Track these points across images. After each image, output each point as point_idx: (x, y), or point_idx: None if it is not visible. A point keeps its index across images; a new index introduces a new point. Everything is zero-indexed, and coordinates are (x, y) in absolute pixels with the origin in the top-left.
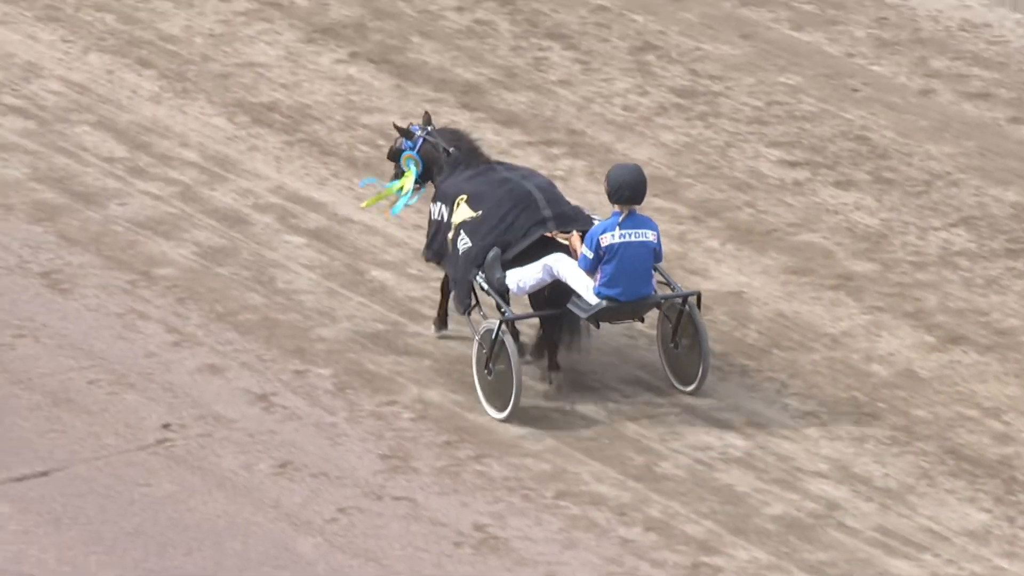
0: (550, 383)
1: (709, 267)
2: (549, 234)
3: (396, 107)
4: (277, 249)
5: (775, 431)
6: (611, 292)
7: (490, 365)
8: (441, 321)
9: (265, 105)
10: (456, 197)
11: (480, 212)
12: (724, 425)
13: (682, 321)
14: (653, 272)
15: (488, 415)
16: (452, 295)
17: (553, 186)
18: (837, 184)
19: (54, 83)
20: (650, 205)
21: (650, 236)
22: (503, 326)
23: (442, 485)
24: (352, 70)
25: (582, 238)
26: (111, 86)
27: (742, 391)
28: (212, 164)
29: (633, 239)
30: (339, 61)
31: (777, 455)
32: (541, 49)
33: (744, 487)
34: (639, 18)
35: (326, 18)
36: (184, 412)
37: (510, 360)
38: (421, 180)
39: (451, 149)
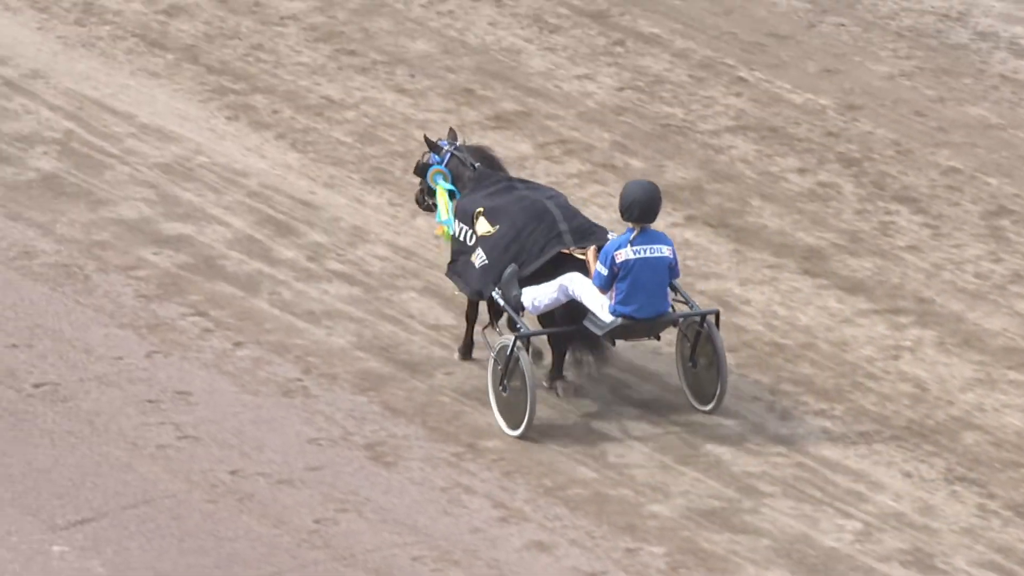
0: (558, 394)
1: None
2: (566, 250)
3: (734, 273)
4: (609, 421)
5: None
6: (627, 309)
7: (505, 382)
8: (467, 349)
9: None
10: (473, 211)
11: (497, 227)
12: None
13: (700, 340)
14: (669, 290)
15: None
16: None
17: (566, 200)
18: None
19: (380, 248)
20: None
21: (665, 251)
22: (518, 342)
23: None
24: (688, 234)
25: (598, 253)
26: (438, 251)
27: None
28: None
29: (649, 255)
30: (675, 224)
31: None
32: (888, 213)
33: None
34: (993, 181)
35: (662, 180)
36: None
37: (525, 377)
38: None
39: (477, 164)
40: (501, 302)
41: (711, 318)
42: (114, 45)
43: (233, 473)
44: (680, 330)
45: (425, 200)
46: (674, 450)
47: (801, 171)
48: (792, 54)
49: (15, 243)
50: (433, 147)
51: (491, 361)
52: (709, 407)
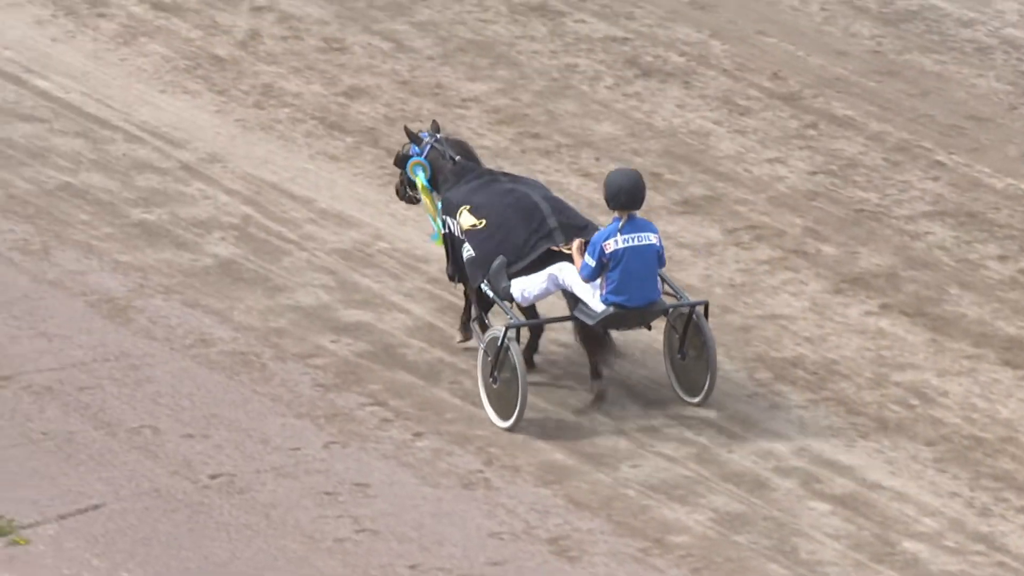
0: (597, 397)
1: None
2: (555, 247)
3: (931, 363)
4: (800, 516)
5: None
6: (618, 299)
7: (495, 373)
8: (465, 328)
9: (788, 360)
10: (459, 207)
11: (483, 221)
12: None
13: (690, 330)
14: (659, 279)
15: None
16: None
17: (550, 192)
18: None
19: (564, 335)
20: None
21: (652, 239)
22: (508, 333)
23: None
24: (883, 323)
25: (584, 246)
26: (627, 345)
27: None
28: (731, 424)
29: (637, 243)
30: (869, 313)
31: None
32: None
33: None
34: None
35: (856, 267)
36: None
37: (515, 368)
38: (431, 186)
39: (457, 158)
40: (490, 294)
41: (700, 308)
42: (293, 128)
43: (412, 568)
44: (668, 322)
45: (406, 192)
46: (869, 547)
47: (1002, 258)
48: (992, 137)
49: (192, 330)
50: (414, 138)
51: (480, 353)
52: (697, 399)
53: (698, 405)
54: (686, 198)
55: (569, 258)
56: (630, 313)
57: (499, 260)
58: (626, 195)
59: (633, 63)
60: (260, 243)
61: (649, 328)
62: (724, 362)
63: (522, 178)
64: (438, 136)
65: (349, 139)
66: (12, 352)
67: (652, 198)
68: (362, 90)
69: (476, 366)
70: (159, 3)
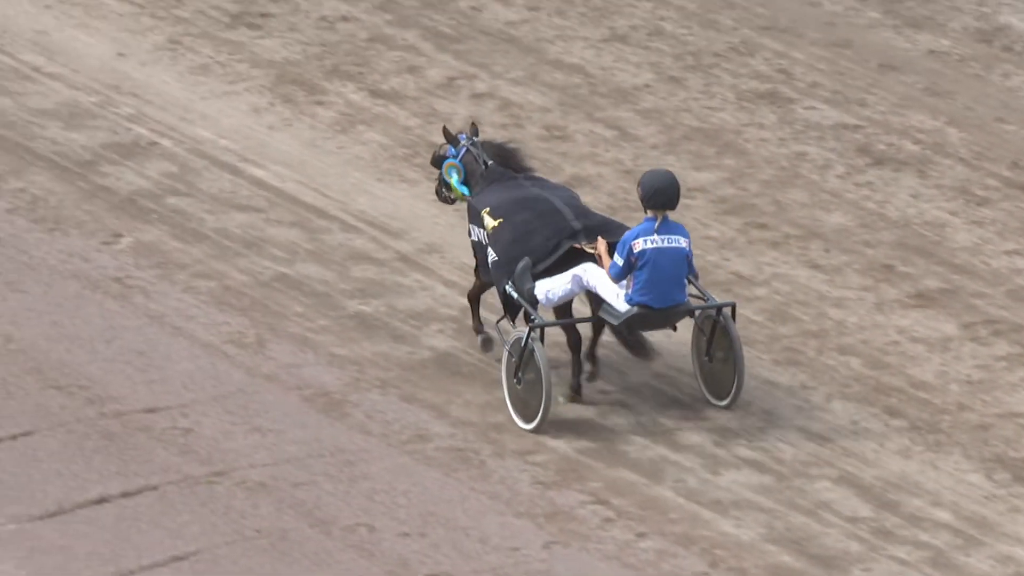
0: (587, 376)
1: None
2: (579, 246)
3: None
4: None
5: None
6: (643, 299)
7: (519, 374)
8: (479, 324)
9: None
10: (481, 211)
11: (501, 221)
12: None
13: (717, 333)
14: (687, 281)
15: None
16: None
17: (578, 198)
18: None
19: (792, 433)
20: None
21: (683, 243)
22: (532, 334)
23: None
24: None
25: (610, 247)
26: (855, 437)
27: None
28: (968, 526)
29: (666, 244)
30: None
31: None
32: None
33: None
34: None
35: None
36: None
37: (540, 369)
38: (464, 188)
39: (490, 162)
40: (515, 295)
41: (727, 310)
42: None
43: None
44: (696, 324)
45: (443, 192)
46: None
47: None
48: None
49: (408, 425)
50: (451, 140)
51: (505, 354)
52: (726, 402)
53: (727, 408)
54: (920, 291)
55: (593, 258)
56: (654, 314)
57: (524, 261)
58: (663, 196)
59: (865, 151)
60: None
61: (674, 329)
62: (960, 461)
63: (549, 183)
64: (475, 139)
65: None
66: (226, 447)
67: (884, 291)
68: (584, 179)
69: (502, 369)
70: (377, 90)
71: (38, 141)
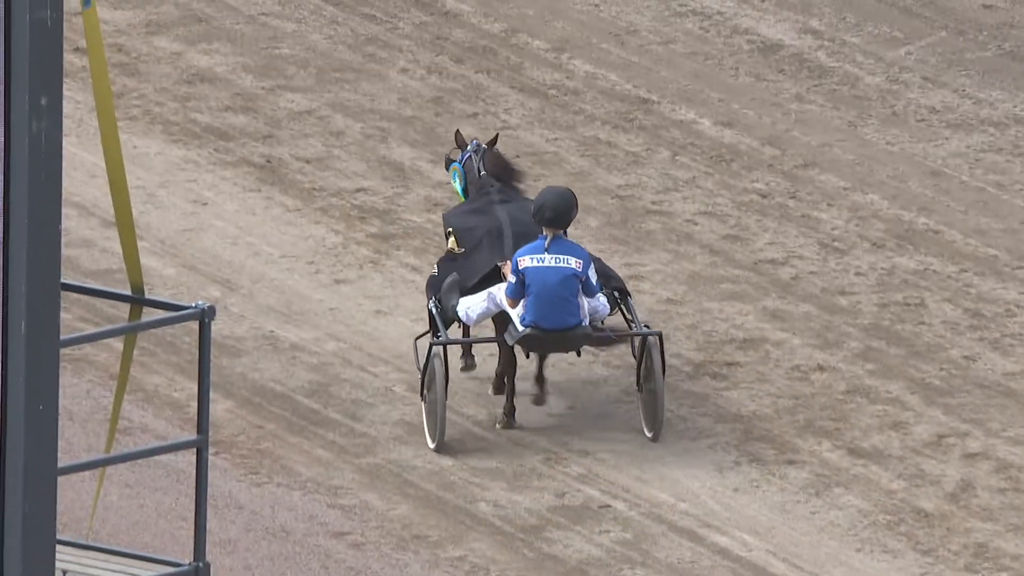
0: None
1: None
2: (499, 263)
3: None
4: None
5: None
6: (532, 318)
7: (423, 392)
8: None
9: None
10: (446, 229)
11: (463, 250)
12: None
13: (644, 362)
14: (580, 302)
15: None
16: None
17: (525, 209)
18: None
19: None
20: None
21: (572, 263)
22: (434, 349)
23: None
24: None
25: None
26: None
27: None
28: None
29: (553, 264)
30: None
31: None
32: None
33: None
34: None
35: None
36: None
37: (436, 387)
38: (463, 194)
39: (483, 172)
40: (434, 311)
41: (653, 339)
42: None
43: None
44: (633, 353)
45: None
46: None
47: None
48: None
49: None
50: (460, 145)
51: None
52: (651, 434)
53: (652, 440)
54: None
55: None
56: (548, 336)
57: (452, 277)
58: (551, 210)
59: None
60: None
61: (578, 354)
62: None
63: (516, 197)
64: (482, 149)
65: None
66: None
67: None
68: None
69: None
70: (856, 448)
71: (479, 504)
